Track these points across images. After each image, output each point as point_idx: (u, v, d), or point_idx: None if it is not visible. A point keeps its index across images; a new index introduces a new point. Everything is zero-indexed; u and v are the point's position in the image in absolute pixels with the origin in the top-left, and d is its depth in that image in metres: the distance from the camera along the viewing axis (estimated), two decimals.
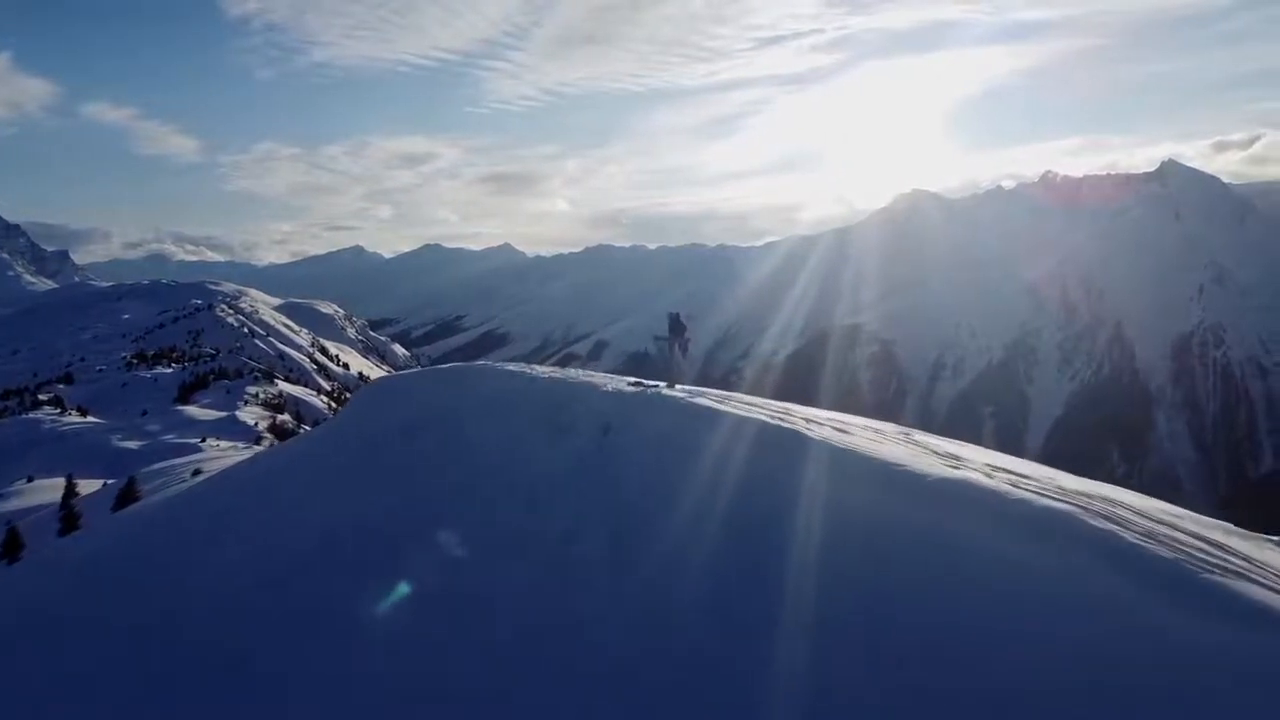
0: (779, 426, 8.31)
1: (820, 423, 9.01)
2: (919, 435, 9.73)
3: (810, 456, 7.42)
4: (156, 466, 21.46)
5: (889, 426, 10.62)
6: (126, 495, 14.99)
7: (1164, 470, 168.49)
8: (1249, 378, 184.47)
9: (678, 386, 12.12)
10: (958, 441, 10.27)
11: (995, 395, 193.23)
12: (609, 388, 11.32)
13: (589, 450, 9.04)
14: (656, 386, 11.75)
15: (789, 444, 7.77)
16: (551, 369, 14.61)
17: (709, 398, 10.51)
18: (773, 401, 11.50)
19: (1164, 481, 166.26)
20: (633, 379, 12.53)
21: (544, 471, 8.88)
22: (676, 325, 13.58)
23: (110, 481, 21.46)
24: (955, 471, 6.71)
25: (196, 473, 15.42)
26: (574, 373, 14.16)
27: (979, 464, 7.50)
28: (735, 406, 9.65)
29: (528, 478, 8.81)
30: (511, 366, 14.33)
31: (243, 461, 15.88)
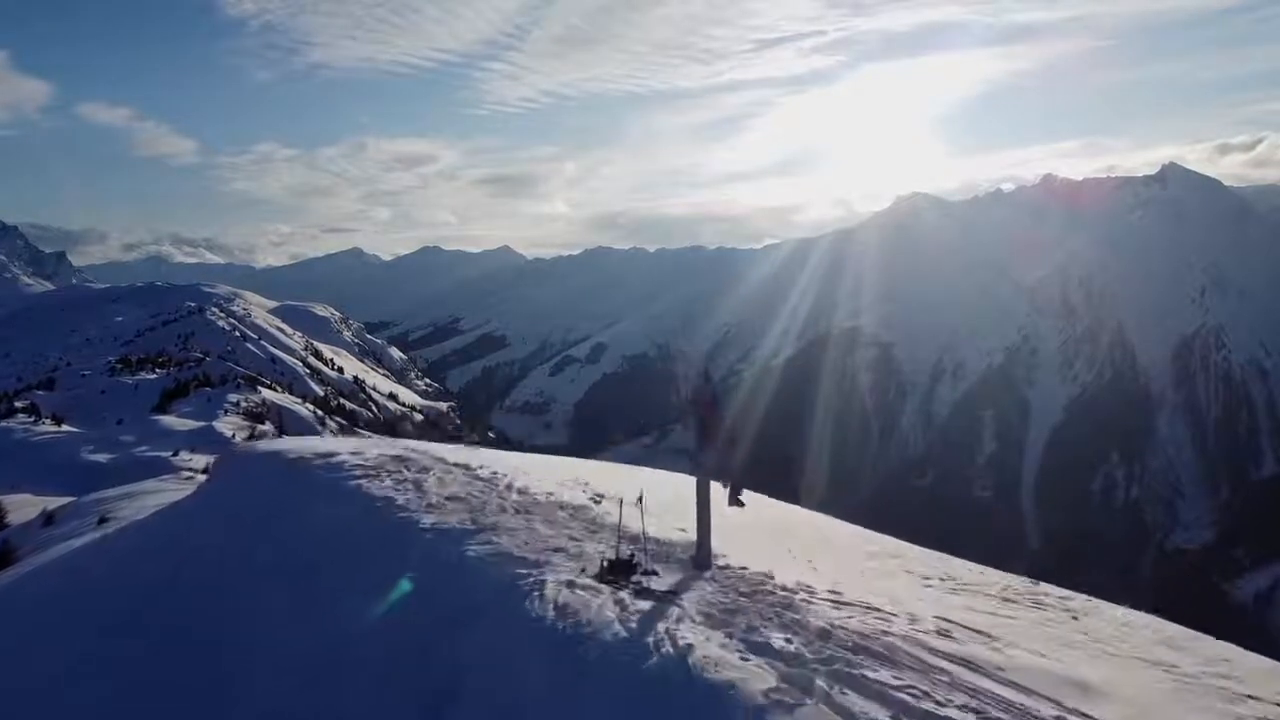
0: None
1: None
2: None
3: None
4: (92, 497, 20.36)
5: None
6: (2, 556, 13.73)
7: (1165, 474, 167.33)
8: (1250, 381, 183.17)
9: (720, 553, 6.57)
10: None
11: (995, 398, 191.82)
12: (553, 579, 5.63)
13: None
14: (649, 576, 5.99)
15: None
16: (466, 462, 9.59)
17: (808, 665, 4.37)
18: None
19: (1165, 485, 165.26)
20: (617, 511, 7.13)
21: None
22: (700, 386, 7.26)
23: (51, 507, 20.36)
24: None
25: (102, 520, 14.28)
26: (502, 469, 9.21)
27: None
28: None
29: None
30: (386, 485, 8.49)
31: (49, 566, 11.61)
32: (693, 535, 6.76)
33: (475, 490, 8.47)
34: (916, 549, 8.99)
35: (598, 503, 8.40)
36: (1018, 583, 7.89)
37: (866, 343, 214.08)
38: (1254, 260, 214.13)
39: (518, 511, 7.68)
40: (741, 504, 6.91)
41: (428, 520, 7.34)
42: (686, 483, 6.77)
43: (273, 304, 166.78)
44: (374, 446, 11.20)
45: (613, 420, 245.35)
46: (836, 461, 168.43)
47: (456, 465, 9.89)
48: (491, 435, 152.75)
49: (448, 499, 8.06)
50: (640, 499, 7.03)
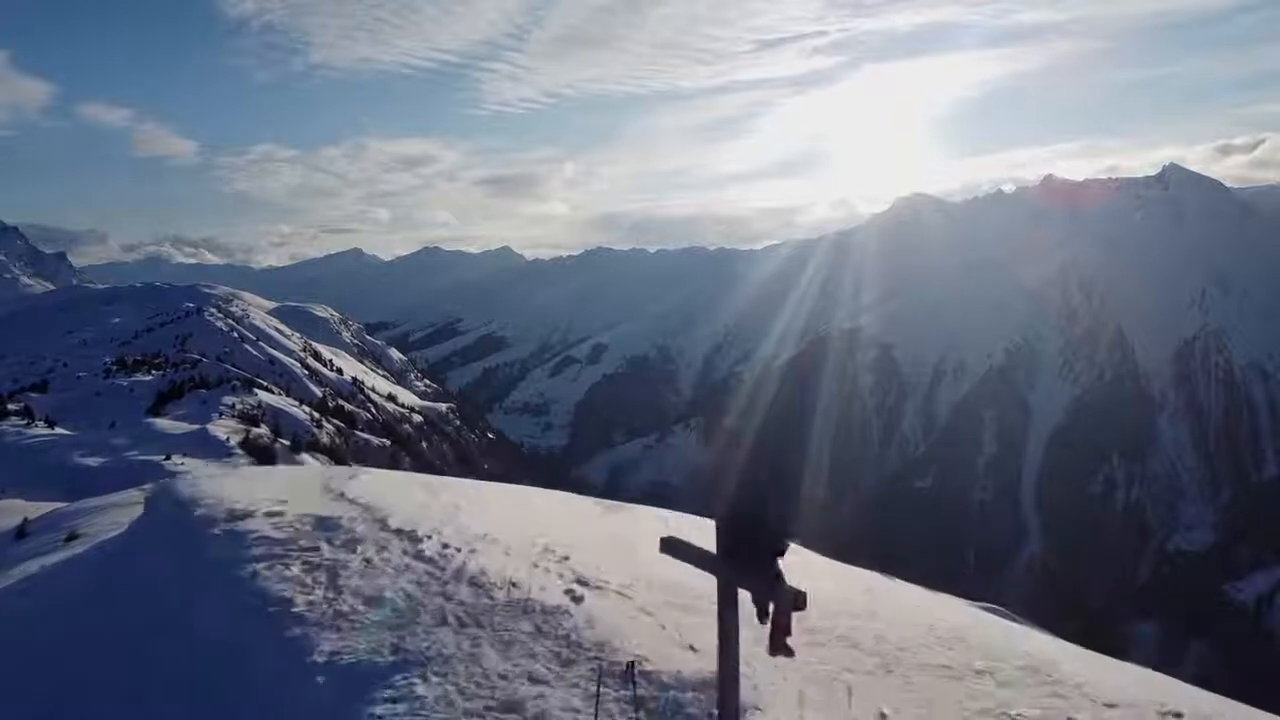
0: None
1: None
2: None
3: None
4: (72, 507, 20.00)
5: None
6: None
7: (1165, 475, 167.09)
8: (1251, 383, 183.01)
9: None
10: None
11: (996, 399, 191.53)
12: None
13: None
14: None
15: None
16: (413, 530, 7.94)
17: None
18: None
19: (1165, 487, 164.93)
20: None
21: None
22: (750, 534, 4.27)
23: (32, 515, 19.98)
24: None
25: (71, 537, 13.92)
26: (456, 541, 7.45)
27: None
28: None
29: None
30: (292, 573, 6.97)
31: None
32: (708, 663, 4.74)
33: (411, 582, 6.45)
34: (991, 634, 6.69)
35: (578, 600, 6.28)
36: (1136, 689, 5.77)
37: (867, 344, 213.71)
38: (1254, 261, 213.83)
39: (463, 624, 5.67)
40: (791, 652, 4.53)
41: (326, 646, 5.31)
42: (699, 539, 4.43)
43: (272, 305, 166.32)
44: (304, 498, 9.26)
45: (613, 421, 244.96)
46: (837, 463, 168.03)
47: (398, 534, 7.79)
48: (491, 437, 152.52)
49: (367, 601, 6.09)
50: (632, 666, 4.92)
